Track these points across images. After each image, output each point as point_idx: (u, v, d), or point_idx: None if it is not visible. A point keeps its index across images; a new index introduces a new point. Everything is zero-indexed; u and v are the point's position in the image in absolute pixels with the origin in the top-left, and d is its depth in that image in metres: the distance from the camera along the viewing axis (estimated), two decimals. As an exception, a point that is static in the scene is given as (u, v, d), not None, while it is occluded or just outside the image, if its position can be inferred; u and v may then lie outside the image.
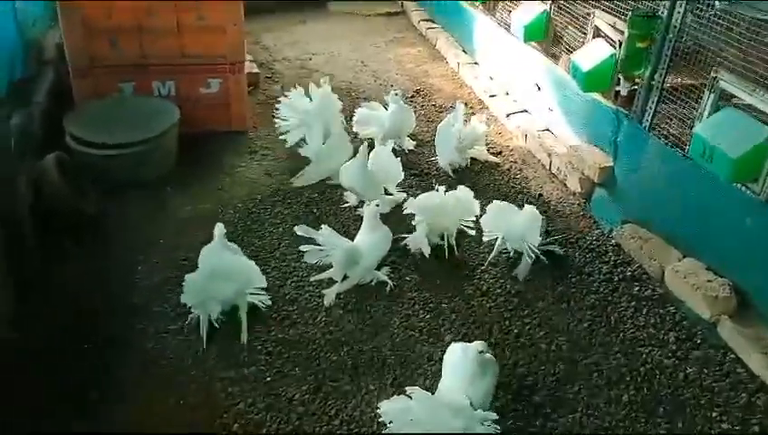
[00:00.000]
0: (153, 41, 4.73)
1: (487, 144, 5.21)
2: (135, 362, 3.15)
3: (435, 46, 7.28)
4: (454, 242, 3.96)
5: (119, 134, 4.32)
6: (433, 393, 2.83)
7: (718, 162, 3.35)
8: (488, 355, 2.90)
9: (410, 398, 2.59)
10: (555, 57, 5.15)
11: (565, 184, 4.76)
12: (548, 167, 4.96)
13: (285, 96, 5.00)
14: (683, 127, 3.84)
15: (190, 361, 3.16)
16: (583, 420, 3.01)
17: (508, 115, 5.57)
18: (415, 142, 5.16)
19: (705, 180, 3.60)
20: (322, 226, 3.59)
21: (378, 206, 3.72)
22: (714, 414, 3.04)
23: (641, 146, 4.15)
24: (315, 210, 4.35)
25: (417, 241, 3.88)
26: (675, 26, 3.81)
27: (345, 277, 3.64)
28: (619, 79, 4.41)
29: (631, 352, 3.39)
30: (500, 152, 5.18)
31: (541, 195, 4.67)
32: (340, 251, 3.50)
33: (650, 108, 4.05)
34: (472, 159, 4.96)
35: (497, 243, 3.91)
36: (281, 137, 5.01)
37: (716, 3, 3.53)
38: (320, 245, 3.49)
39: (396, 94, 4.95)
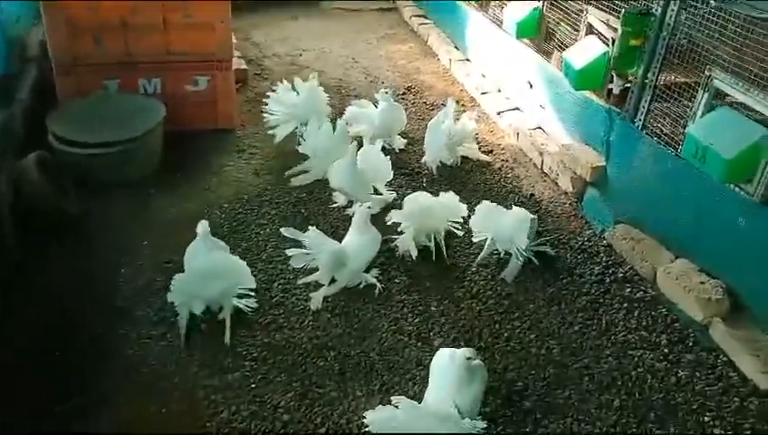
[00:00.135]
0: (138, 38, 4.64)
1: (479, 142, 5.16)
2: (116, 368, 3.07)
3: (426, 42, 7.20)
4: (443, 243, 3.90)
5: (102, 133, 4.23)
6: (420, 400, 2.78)
7: (711, 162, 3.30)
8: (476, 361, 2.85)
9: (396, 407, 2.53)
10: (548, 54, 5.09)
11: (557, 183, 4.70)
12: (540, 166, 4.90)
13: (273, 91, 4.94)
14: (676, 126, 3.79)
15: (173, 367, 3.09)
16: (574, 426, 2.96)
17: (500, 113, 5.50)
18: (405, 141, 5.09)
19: (699, 181, 3.54)
20: (309, 227, 3.52)
21: (369, 208, 3.65)
22: (706, 419, 3.00)
23: (634, 145, 4.09)
24: (303, 211, 4.28)
25: (406, 243, 3.82)
26: (668, 24, 3.75)
27: (333, 280, 3.57)
28: (611, 77, 4.35)
29: (623, 355, 3.34)
30: (491, 151, 5.12)
31: (532, 194, 4.61)
32: (327, 254, 3.43)
33: (643, 107, 4.00)
34: (463, 157, 4.90)
35: (487, 244, 3.85)
36: (270, 132, 4.94)
37: (711, 0, 3.47)
38: (306, 247, 3.41)
39: (386, 92, 4.88)
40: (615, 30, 4.14)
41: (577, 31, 4.66)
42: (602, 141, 4.37)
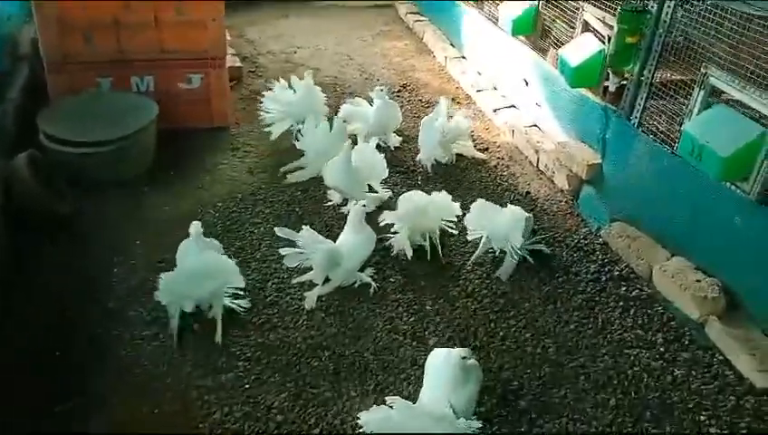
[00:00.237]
0: (131, 36, 4.60)
1: (474, 140, 5.14)
2: (109, 369, 3.05)
3: (422, 40, 7.17)
4: (438, 242, 3.87)
5: (94, 131, 4.20)
6: (415, 400, 2.76)
7: (707, 160, 3.28)
8: (471, 361, 2.83)
9: (391, 408, 2.51)
10: (543, 51, 5.07)
11: (553, 181, 4.68)
12: (535, 164, 4.88)
13: (270, 89, 4.91)
14: (672, 124, 3.77)
15: (166, 367, 3.07)
16: (569, 425, 2.94)
17: (495, 110, 5.48)
18: (401, 138, 5.06)
19: (695, 178, 3.53)
20: (303, 227, 3.49)
21: (364, 206, 3.62)
22: (702, 418, 2.98)
23: (630, 143, 4.07)
24: (297, 209, 4.25)
25: (401, 243, 3.79)
26: (665, 21, 3.73)
27: (327, 280, 3.54)
28: (607, 74, 4.33)
29: (619, 354, 3.32)
30: (487, 148, 5.10)
31: (528, 192, 4.59)
32: (321, 253, 3.40)
33: (639, 104, 3.98)
34: (458, 155, 4.88)
35: (482, 242, 3.83)
36: (265, 129, 4.92)
37: (706, -3, 3.46)
38: (300, 247, 3.39)
39: (381, 90, 4.85)
40: (611, 27, 4.12)
41: (573, 28, 4.64)
42: (598, 139, 4.35)
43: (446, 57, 6.53)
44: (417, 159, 4.79)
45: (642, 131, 3.96)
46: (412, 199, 3.81)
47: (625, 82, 4.18)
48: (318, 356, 3.19)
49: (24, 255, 3.63)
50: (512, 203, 4.39)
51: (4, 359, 3.05)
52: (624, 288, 3.74)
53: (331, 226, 4.08)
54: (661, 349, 3.34)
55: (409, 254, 3.76)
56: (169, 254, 3.50)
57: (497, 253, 3.86)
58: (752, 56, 3.24)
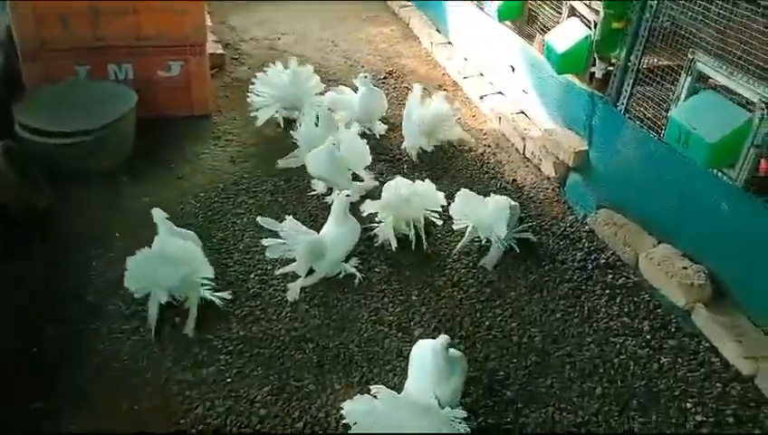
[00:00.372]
0: (108, 22, 4.47)
1: (461, 127, 5.07)
2: (87, 364, 2.98)
3: (408, 25, 7.08)
4: (423, 232, 3.82)
5: (71, 121, 4.08)
6: (400, 392, 2.73)
7: (694, 147, 3.26)
8: (456, 352, 2.80)
9: (375, 397, 2.47)
10: (530, 37, 5.00)
11: (539, 169, 4.64)
12: (522, 151, 4.83)
13: (264, 72, 4.83)
14: (659, 110, 3.73)
15: (145, 362, 3.01)
16: (556, 415, 2.92)
17: (482, 97, 5.42)
18: (386, 126, 4.99)
19: (681, 165, 3.50)
20: (286, 217, 3.43)
21: (348, 196, 3.56)
22: (688, 405, 2.98)
23: (616, 129, 4.04)
24: (281, 199, 4.18)
25: (385, 233, 3.74)
26: (651, 6, 3.68)
27: (311, 271, 3.49)
28: (594, 60, 4.29)
29: (605, 342, 3.31)
30: (473, 136, 5.03)
31: (515, 180, 4.55)
32: (304, 244, 3.34)
33: (626, 90, 3.94)
34: (448, 142, 4.80)
35: (467, 231, 3.79)
36: (252, 114, 4.85)
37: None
38: (282, 238, 3.32)
39: (365, 77, 4.77)
40: (597, 12, 4.07)
41: (559, 13, 4.58)
42: (585, 126, 4.31)
43: (432, 43, 6.45)
44: (402, 147, 4.73)
45: (629, 118, 3.92)
46: (394, 188, 3.75)
47: (611, 69, 4.14)
48: (302, 349, 3.15)
49: (-1, 248, 3.55)
50: (498, 191, 4.37)
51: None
52: (610, 276, 3.72)
53: (316, 216, 4.02)
54: (647, 337, 3.33)
55: (394, 244, 3.72)
56: (149, 246, 3.41)
57: (483, 242, 3.82)
58: (739, 41, 3.20)
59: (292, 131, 4.54)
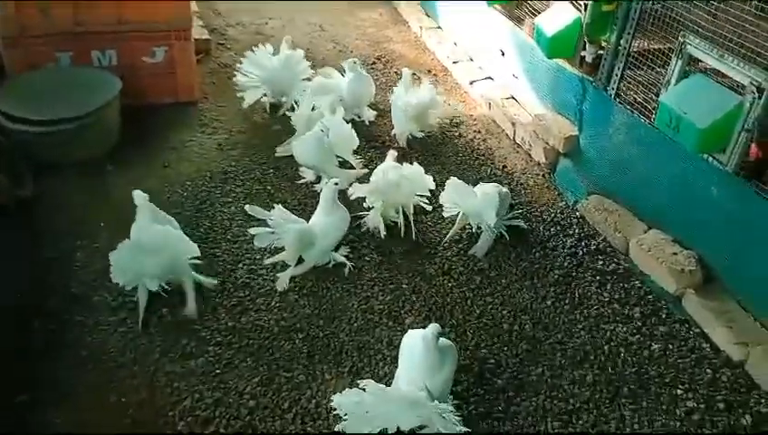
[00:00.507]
0: (90, 6, 4.36)
1: (450, 113, 5.03)
2: (72, 357, 2.93)
3: (397, 10, 6.98)
4: (411, 218, 3.79)
5: (54, 109, 4.00)
6: (390, 381, 2.71)
7: (685, 132, 3.22)
8: (447, 341, 2.78)
9: (364, 390, 2.45)
10: (519, 21, 4.94)
11: (530, 154, 4.61)
12: (512, 137, 4.80)
13: (252, 51, 4.76)
14: (649, 94, 3.70)
15: (132, 354, 2.96)
16: (546, 402, 2.92)
17: (472, 82, 5.37)
18: (375, 113, 4.93)
19: (672, 150, 3.48)
20: (275, 205, 3.38)
21: (336, 184, 3.51)
22: (679, 392, 2.99)
23: (606, 114, 4.01)
24: (269, 187, 4.13)
25: (374, 220, 3.71)
26: (641, -12, 3.64)
27: (300, 260, 3.45)
28: (584, 44, 4.24)
29: (596, 329, 3.30)
30: (463, 122, 4.99)
31: (505, 166, 4.51)
32: (293, 233, 3.30)
33: (616, 74, 3.90)
34: (439, 128, 4.76)
35: (458, 219, 3.76)
36: (238, 94, 4.78)
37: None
38: (271, 226, 3.28)
39: (354, 62, 4.70)
40: (587, -5, 4.01)
41: (549, -4, 4.52)
42: (575, 111, 4.28)
43: (421, 28, 6.38)
44: (393, 133, 4.68)
45: (619, 103, 3.89)
46: (383, 172, 3.70)
47: (602, 52, 4.09)
48: (291, 339, 3.12)
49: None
50: (488, 177, 4.34)
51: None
52: (601, 262, 3.71)
53: (305, 204, 3.97)
54: (638, 323, 3.33)
55: (383, 232, 3.68)
56: (134, 235, 3.37)
57: (474, 229, 3.80)
58: (730, 23, 3.16)
59: (288, 113, 4.47)
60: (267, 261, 3.49)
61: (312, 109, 4.37)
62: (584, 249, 3.79)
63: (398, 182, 3.66)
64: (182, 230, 3.35)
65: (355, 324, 3.23)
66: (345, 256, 3.53)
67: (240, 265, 3.50)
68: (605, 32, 3.98)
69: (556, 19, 4.21)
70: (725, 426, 2.84)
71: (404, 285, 3.47)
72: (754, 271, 3.20)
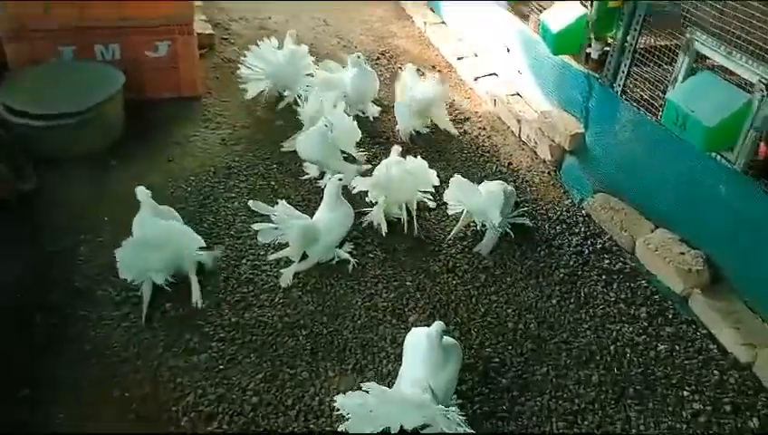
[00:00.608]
0: (93, 1, 4.34)
1: (455, 109, 5.01)
2: (76, 351, 2.92)
3: (401, 5, 6.94)
4: (414, 215, 3.76)
5: (57, 103, 3.98)
6: (394, 379, 2.69)
7: (692, 130, 3.19)
8: (451, 339, 2.76)
9: (367, 392, 2.42)
10: (525, 17, 4.91)
11: (535, 152, 4.58)
12: (517, 134, 4.76)
13: (257, 45, 4.75)
14: (656, 91, 3.67)
15: (136, 349, 2.95)
16: (551, 403, 2.89)
17: (476, 79, 5.33)
18: (380, 108, 4.90)
19: (679, 148, 3.44)
20: (279, 201, 3.36)
21: (340, 180, 3.49)
22: (685, 393, 2.96)
23: (613, 112, 3.97)
24: (273, 183, 4.10)
25: (377, 217, 3.68)
26: (650, -15, 3.60)
27: (304, 256, 3.43)
28: (590, 40, 4.20)
29: (601, 329, 3.28)
30: (468, 118, 4.96)
31: (510, 163, 4.48)
32: (297, 229, 3.27)
33: (622, 71, 3.87)
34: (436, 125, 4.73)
35: (462, 216, 3.73)
36: (241, 87, 4.75)
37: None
38: (274, 222, 3.25)
39: (358, 57, 4.67)
40: (594, -9, 3.98)
41: (556, -8, 4.48)
42: (581, 108, 4.25)
43: (425, 23, 6.34)
44: (396, 129, 4.65)
45: (626, 100, 3.86)
46: (386, 166, 3.68)
47: (608, 49, 4.06)
48: (295, 335, 3.10)
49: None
50: (493, 175, 4.32)
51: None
52: (607, 261, 3.68)
53: (309, 200, 3.95)
54: (644, 323, 3.30)
55: (384, 229, 3.66)
56: (138, 230, 3.35)
57: (479, 227, 3.77)
58: (738, 20, 3.12)
59: (296, 107, 4.45)
60: (271, 257, 3.47)
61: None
62: (590, 248, 3.77)
63: (400, 177, 3.63)
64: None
65: (359, 322, 3.21)
66: (349, 253, 3.51)
67: (244, 261, 3.48)
68: (611, 28, 3.95)
69: (562, 15, 4.17)
70: (732, 429, 2.81)
71: (408, 283, 3.45)
72: (762, 271, 3.17)
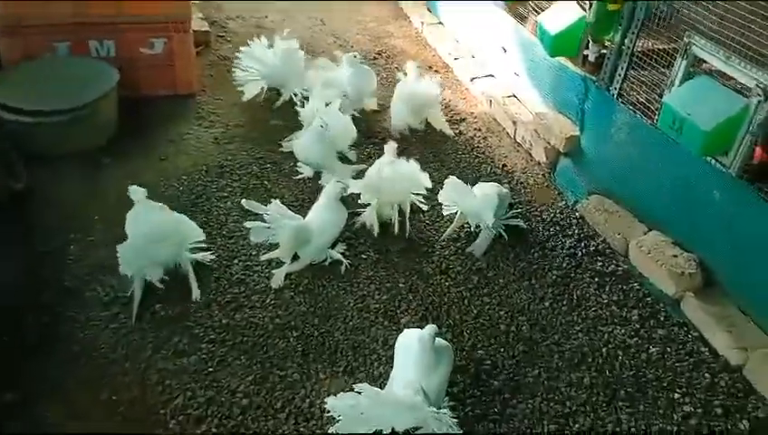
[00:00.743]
0: (89, -2, 4.32)
1: (450, 110, 4.99)
2: (63, 353, 2.89)
3: (399, 5, 6.92)
4: (407, 216, 3.75)
5: (51, 99, 3.96)
6: (386, 381, 2.67)
7: (688, 134, 3.19)
8: (443, 341, 2.74)
9: (359, 394, 2.41)
10: (523, 18, 4.89)
11: (530, 153, 4.57)
12: (513, 135, 4.75)
13: (248, 43, 4.73)
14: (652, 95, 3.66)
15: (124, 350, 2.93)
16: (543, 405, 2.89)
17: (473, 79, 5.32)
18: (376, 99, 4.87)
19: (674, 152, 3.44)
20: (272, 200, 3.34)
21: (344, 187, 3.48)
22: (676, 396, 2.96)
23: (609, 114, 3.96)
24: (267, 182, 4.08)
25: (370, 218, 3.67)
26: (647, -12, 3.59)
27: (296, 257, 3.41)
28: (587, 43, 4.19)
29: (593, 331, 3.27)
30: (464, 119, 4.95)
31: (505, 165, 4.47)
32: (289, 230, 3.25)
33: (619, 74, 3.86)
34: (432, 126, 4.72)
35: (456, 218, 3.72)
36: (238, 88, 4.75)
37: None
38: (267, 222, 3.23)
39: (354, 57, 4.66)
40: (592, -7, 3.96)
41: (553, -6, 4.47)
42: (577, 110, 4.23)
43: (422, 23, 6.32)
44: (392, 124, 4.62)
45: (622, 103, 3.85)
46: (377, 168, 3.67)
47: (605, 52, 4.05)
48: (286, 337, 3.08)
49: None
50: (488, 176, 4.31)
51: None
52: (600, 263, 3.67)
53: (303, 200, 3.93)
54: (636, 326, 3.30)
55: (376, 230, 3.65)
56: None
57: (473, 228, 3.76)
58: (737, 25, 3.11)
59: (298, 107, 4.43)
60: (263, 257, 3.45)
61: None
62: (583, 250, 3.76)
63: (392, 179, 3.61)
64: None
65: (350, 323, 3.19)
66: (341, 254, 3.49)
67: (235, 262, 3.46)
68: (609, 31, 3.94)
69: (560, 17, 4.16)
70: (723, 431, 2.81)
71: (401, 284, 3.44)
72: (755, 275, 3.16)
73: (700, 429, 2.82)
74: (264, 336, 3.07)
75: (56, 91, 4.04)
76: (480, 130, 4.84)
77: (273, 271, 3.37)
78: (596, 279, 3.57)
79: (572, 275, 3.59)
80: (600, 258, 3.71)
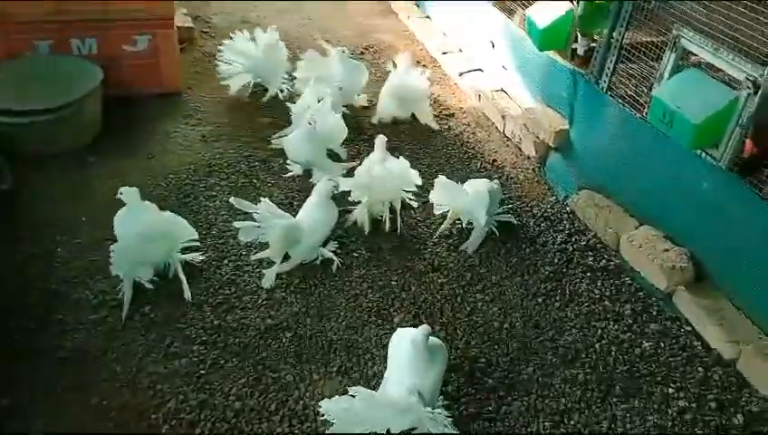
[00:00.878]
0: (70, -7, 4.24)
1: (440, 105, 4.96)
2: (52, 357, 2.84)
3: (385, 2, 6.87)
4: (398, 213, 3.72)
5: (32, 99, 3.88)
6: (380, 381, 2.65)
7: (678, 127, 3.18)
8: (437, 340, 2.72)
9: (353, 397, 2.38)
10: (511, 12, 4.87)
11: (519, 148, 4.56)
12: (502, 130, 4.73)
13: (231, 37, 4.68)
14: (642, 88, 3.65)
15: (114, 354, 2.88)
16: (538, 402, 2.88)
17: (461, 74, 5.29)
18: (366, 96, 4.84)
19: (664, 145, 3.44)
20: (261, 199, 3.30)
21: (335, 186, 3.45)
22: (670, 391, 2.96)
23: (598, 108, 3.96)
24: (256, 181, 4.04)
25: (361, 216, 3.64)
26: (636, -19, 3.58)
27: (287, 256, 3.37)
28: (576, 37, 4.18)
29: (587, 326, 3.27)
30: (452, 114, 4.92)
31: (494, 160, 4.45)
32: (278, 229, 3.21)
33: (608, 68, 3.85)
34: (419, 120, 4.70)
35: (448, 216, 3.70)
36: (222, 83, 4.70)
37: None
38: (256, 221, 3.19)
39: (342, 52, 4.61)
40: (580, -13, 3.95)
41: (541, -13, 4.44)
42: (566, 104, 4.22)
43: (409, 17, 6.29)
44: (378, 113, 4.61)
45: (611, 96, 3.84)
46: (368, 166, 3.64)
47: (594, 45, 4.04)
48: (278, 338, 3.05)
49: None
50: (478, 171, 4.29)
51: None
52: (592, 258, 3.67)
53: (292, 198, 3.89)
54: (629, 320, 3.30)
55: (367, 229, 3.63)
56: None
57: (464, 224, 3.74)
58: (725, 17, 3.11)
59: (289, 104, 4.37)
60: (254, 257, 3.41)
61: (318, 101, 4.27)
62: (575, 245, 3.75)
63: (382, 176, 3.58)
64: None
65: (343, 323, 3.16)
66: (333, 252, 3.46)
67: (226, 262, 3.42)
68: (598, 24, 3.92)
69: (548, 11, 4.13)
70: (718, 425, 2.81)
71: (393, 282, 3.41)
72: (746, 268, 3.17)
73: (695, 423, 2.82)
74: (256, 337, 3.03)
75: (39, 91, 3.97)
76: (469, 124, 4.82)
77: (264, 271, 3.33)
78: (588, 274, 3.57)
79: (564, 270, 3.59)
80: (591, 253, 3.71)
